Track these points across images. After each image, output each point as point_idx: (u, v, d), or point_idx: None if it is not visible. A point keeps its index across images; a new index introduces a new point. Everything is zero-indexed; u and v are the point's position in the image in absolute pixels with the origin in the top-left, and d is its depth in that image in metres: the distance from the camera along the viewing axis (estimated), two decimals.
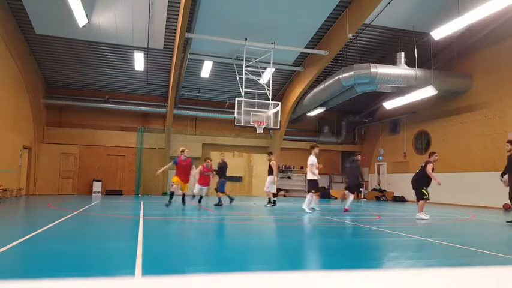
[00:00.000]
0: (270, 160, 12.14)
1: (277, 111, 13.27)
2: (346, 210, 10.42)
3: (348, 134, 22.38)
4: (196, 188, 12.04)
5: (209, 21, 13.38)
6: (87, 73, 17.18)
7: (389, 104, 16.76)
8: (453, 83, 15.46)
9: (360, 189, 21.18)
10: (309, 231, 6.37)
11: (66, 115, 18.57)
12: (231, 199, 12.48)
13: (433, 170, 8.82)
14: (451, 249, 4.86)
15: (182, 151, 10.97)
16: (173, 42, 14.61)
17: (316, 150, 10.55)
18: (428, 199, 8.95)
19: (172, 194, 10.78)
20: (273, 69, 15.58)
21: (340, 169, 23.04)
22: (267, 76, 15.54)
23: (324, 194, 20.37)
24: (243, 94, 12.83)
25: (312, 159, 10.27)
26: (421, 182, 8.87)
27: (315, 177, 10.32)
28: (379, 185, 21.00)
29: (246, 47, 13.30)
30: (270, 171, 12.07)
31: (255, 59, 14.14)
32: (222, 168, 12.18)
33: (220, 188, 12.04)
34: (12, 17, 13.09)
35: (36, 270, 3.31)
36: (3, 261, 3.64)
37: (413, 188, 9.05)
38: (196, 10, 12.41)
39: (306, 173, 10.87)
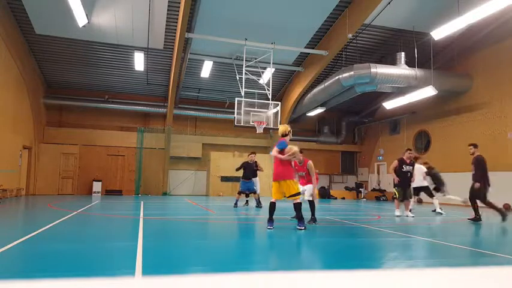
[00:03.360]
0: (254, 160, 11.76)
1: (277, 111, 13.27)
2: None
3: (348, 134, 22.38)
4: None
5: (209, 21, 13.38)
6: (87, 73, 17.18)
7: (389, 104, 16.76)
8: (453, 83, 15.46)
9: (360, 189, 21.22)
10: (308, 231, 6.36)
11: (66, 115, 18.57)
12: (247, 202, 12.04)
13: (402, 167, 9.26)
14: (451, 249, 4.86)
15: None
16: (173, 42, 14.61)
17: (420, 161, 11.81)
18: (397, 199, 9.41)
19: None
20: (273, 69, 15.58)
21: (340, 169, 23.04)
22: (267, 76, 15.55)
23: (324, 194, 20.37)
24: (243, 94, 12.83)
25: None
26: (397, 181, 9.40)
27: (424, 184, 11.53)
28: (379, 185, 20.99)
29: (246, 47, 13.30)
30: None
31: (255, 59, 14.15)
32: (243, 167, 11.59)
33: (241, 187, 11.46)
34: (12, 17, 13.09)
35: (36, 270, 3.31)
36: (3, 261, 3.64)
37: None
38: (196, 10, 12.41)
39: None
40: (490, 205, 8.36)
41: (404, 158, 9.41)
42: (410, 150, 9.67)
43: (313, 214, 7.33)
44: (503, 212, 8.37)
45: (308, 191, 7.44)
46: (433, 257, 4.43)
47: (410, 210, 9.31)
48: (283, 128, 6.77)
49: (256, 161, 11.56)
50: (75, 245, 4.64)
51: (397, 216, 9.25)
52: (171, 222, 7.68)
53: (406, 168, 9.25)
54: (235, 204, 11.43)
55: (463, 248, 4.93)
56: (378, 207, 13.70)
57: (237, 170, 11.57)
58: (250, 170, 11.31)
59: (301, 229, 6.11)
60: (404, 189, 9.27)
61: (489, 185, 8.30)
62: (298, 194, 6.31)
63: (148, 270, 3.28)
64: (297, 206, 6.27)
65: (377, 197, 19.58)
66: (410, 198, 9.45)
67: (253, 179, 11.41)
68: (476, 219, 8.34)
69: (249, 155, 11.77)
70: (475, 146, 8.60)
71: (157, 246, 4.69)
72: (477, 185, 8.20)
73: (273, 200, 6.40)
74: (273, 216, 6.33)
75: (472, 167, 8.41)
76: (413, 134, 18.81)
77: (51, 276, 2.96)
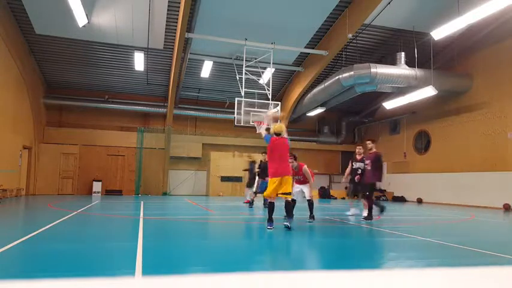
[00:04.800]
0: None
1: (277, 111, 13.27)
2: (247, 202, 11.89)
3: (348, 134, 22.37)
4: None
5: (209, 21, 13.38)
6: (87, 73, 17.18)
7: (389, 104, 16.76)
8: (453, 83, 15.46)
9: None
10: (308, 231, 6.37)
11: (66, 115, 18.56)
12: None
13: (352, 166, 9.14)
14: (451, 249, 4.86)
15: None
16: (173, 42, 14.61)
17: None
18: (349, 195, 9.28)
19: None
20: (273, 69, 15.57)
21: (340, 169, 23.03)
22: (267, 76, 15.54)
23: (324, 194, 20.37)
24: (243, 94, 12.83)
25: None
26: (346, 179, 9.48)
27: None
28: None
29: (246, 47, 13.30)
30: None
31: (255, 59, 14.15)
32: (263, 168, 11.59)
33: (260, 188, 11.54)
34: (12, 17, 13.09)
35: (36, 270, 3.31)
36: (3, 261, 3.64)
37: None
38: (196, 10, 12.41)
39: None
40: (373, 201, 8.42)
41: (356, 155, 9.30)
42: (358, 146, 9.49)
43: (311, 212, 7.67)
44: (381, 206, 8.47)
45: (307, 192, 7.71)
46: (433, 257, 4.43)
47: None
48: (280, 127, 6.65)
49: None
50: (75, 245, 4.64)
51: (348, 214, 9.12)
52: (171, 222, 7.68)
53: (355, 165, 9.08)
54: (251, 204, 11.60)
55: (463, 248, 4.93)
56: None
57: (258, 170, 11.63)
58: (266, 169, 11.33)
59: (287, 225, 6.19)
60: (354, 186, 9.14)
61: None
62: (290, 193, 6.42)
63: (148, 270, 3.28)
64: (288, 206, 6.34)
65: (377, 197, 19.54)
66: (363, 197, 8.96)
67: (266, 178, 11.41)
68: (369, 218, 8.17)
69: (262, 153, 11.71)
70: (374, 141, 8.67)
71: (157, 246, 4.69)
72: (379, 184, 8.17)
73: (272, 201, 6.43)
74: (273, 216, 6.36)
75: (369, 162, 8.37)
76: (413, 134, 18.81)
77: (51, 276, 2.96)
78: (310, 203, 7.73)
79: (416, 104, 16.30)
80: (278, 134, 6.60)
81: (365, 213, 8.60)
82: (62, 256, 3.92)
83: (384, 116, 20.30)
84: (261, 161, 11.64)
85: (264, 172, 11.18)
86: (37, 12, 12.90)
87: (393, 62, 14.90)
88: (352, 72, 13.98)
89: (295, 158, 7.59)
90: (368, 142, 8.64)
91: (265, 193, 6.61)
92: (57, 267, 3.39)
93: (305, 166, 7.71)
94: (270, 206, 6.39)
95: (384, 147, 21.15)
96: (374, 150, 8.52)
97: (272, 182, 6.33)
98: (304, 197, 7.84)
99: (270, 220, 6.29)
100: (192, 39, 13.85)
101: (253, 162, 12.82)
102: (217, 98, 19.61)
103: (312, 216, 7.62)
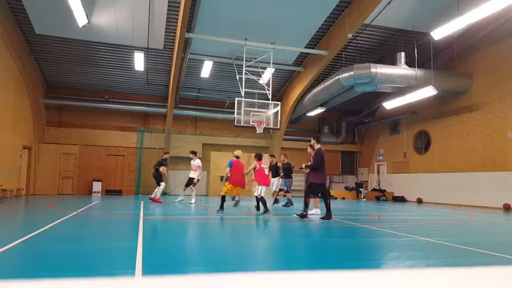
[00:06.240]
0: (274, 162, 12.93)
1: (277, 111, 13.27)
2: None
3: (348, 134, 22.36)
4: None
5: (209, 21, 13.38)
6: (87, 73, 17.18)
7: (389, 104, 16.75)
8: (453, 83, 15.46)
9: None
10: (308, 231, 6.37)
11: (66, 115, 18.56)
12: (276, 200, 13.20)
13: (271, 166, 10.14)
14: (451, 249, 4.86)
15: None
16: (173, 42, 14.61)
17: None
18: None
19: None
20: (273, 69, 15.57)
21: (340, 169, 23.04)
22: (267, 76, 15.54)
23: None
24: (243, 94, 12.83)
25: None
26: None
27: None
28: (379, 185, 21.00)
29: (246, 47, 13.29)
30: (277, 173, 12.79)
31: (255, 59, 14.14)
32: (287, 169, 12.89)
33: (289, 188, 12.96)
34: (12, 17, 13.08)
35: (36, 270, 3.31)
36: (3, 261, 3.64)
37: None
38: (196, 10, 12.41)
39: None
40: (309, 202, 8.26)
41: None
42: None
43: (265, 206, 8.77)
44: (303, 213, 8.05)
45: (260, 190, 9.06)
46: (433, 257, 4.43)
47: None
48: (239, 153, 9.41)
49: (277, 162, 13.04)
50: (75, 245, 4.64)
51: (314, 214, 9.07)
52: (171, 222, 7.68)
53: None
54: (277, 201, 13.04)
55: (463, 248, 4.93)
56: (378, 207, 13.70)
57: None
58: (288, 169, 12.97)
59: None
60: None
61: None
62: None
63: (148, 270, 3.28)
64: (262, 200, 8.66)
65: (377, 197, 19.57)
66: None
67: (273, 179, 12.51)
68: (304, 215, 8.04)
69: (270, 156, 13.19)
70: (315, 138, 8.60)
71: (157, 246, 4.69)
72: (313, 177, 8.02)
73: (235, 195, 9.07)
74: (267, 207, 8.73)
75: (311, 160, 8.27)
76: (413, 134, 18.82)
77: (51, 276, 2.96)
78: (263, 200, 8.86)
79: (416, 104, 16.29)
80: (238, 158, 9.19)
81: (315, 212, 8.94)
82: (62, 256, 3.92)
83: (384, 116, 20.30)
84: (282, 162, 12.96)
85: (288, 170, 12.83)
86: (37, 12, 12.90)
87: (393, 62, 14.89)
88: (352, 72, 13.98)
89: (259, 158, 9.40)
90: (311, 139, 8.59)
91: (228, 193, 9.00)
92: (57, 267, 3.39)
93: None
94: (222, 200, 9.01)
95: (384, 147, 21.16)
96: (317, 147, 8.34)
97: (232, 187, 8.92)
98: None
99: (222, 206, 8.93)
100: (192, 39, 13.85)
101: (164, 160, 13.31)
102: (217, 98, 19.61)
103: (265, 211, 8.76)
